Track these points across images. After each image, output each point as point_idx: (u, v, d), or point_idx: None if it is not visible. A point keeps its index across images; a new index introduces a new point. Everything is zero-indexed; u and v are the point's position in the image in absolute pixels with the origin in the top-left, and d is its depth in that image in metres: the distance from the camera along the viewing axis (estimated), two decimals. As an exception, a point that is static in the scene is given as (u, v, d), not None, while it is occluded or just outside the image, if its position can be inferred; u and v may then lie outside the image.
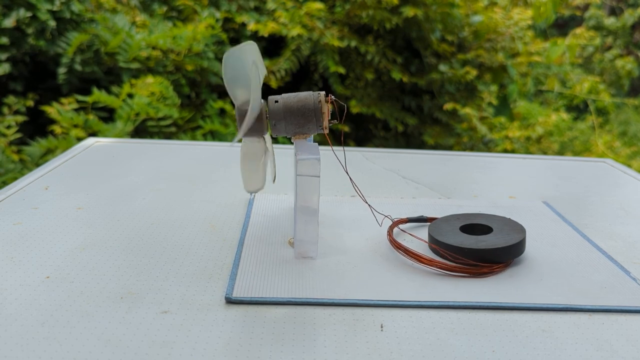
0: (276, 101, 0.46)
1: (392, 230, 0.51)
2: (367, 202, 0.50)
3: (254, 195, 0.61)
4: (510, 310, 0.40)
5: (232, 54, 0.44)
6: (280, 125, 0.46)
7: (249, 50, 0.45)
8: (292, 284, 0.43)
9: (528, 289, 0.43)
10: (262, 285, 0.42)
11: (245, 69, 0.43)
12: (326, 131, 0.47)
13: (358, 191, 0.50)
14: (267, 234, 0.52)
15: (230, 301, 0.40)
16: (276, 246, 0.49)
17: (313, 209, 0.46)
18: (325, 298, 0.41)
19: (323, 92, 0.46)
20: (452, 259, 0.46)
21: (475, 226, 0.50)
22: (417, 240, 0.51)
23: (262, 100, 0.46)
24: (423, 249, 0.49)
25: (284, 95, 0.47)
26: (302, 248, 0.47)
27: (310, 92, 0.46)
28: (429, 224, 0.53)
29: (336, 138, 2.40)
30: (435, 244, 0.48)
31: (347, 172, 0.48)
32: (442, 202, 0.61)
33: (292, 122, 0.46)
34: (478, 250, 0.45)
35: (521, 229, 0.49)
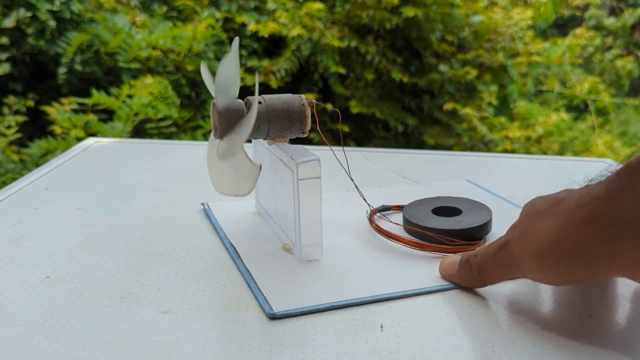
0: (260, 102, 0.45)
1: (375, 221, 0.52)
2: (363, 198, 0.51)
3: (209, 205, 0.57)
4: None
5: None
6: (263, 128, 0.45)
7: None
8: (322, 288, 0.42)
9: None
10: (295, 295, 0.41)
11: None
12: (305, 135, 0.46)
13: (355, 185, 0.50)
14: (254, 243, 0.50)
15: (275, 317, 0.39)
16: (273, 254, 0.48)
17: (316, 212, 0.45)
18: (363, 297, 0.41)
19: (304, 95, 0.46)
20: (447, 242, 0.48)
21: (443, 209, 0.53)
22: (391, 227, 0.52)
23: (239, 100, 0.45)
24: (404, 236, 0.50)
25: (265, 96, 0.46)
26: (307, 251, 0.46)
27: (292, 95, 0.45)
28: (400, 212, 0.55)
29: (336, 138, 2.40)
30: (425, 230, 0.49)
31: (349, 175, 0.48)
32: (392, 190, 0.62)
33: (277, 124, 0.45)
34: (467, 229, 0.48)
35: (485, 206, 0.53)
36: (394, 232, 0.50)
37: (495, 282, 0.40)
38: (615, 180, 0.31)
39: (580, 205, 0.31)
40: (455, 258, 0.43)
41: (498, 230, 0.51)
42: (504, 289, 0.43)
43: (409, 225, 0.51)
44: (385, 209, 0.56)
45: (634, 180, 0.30)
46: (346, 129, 2.34)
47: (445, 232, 0.48)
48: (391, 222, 0.53)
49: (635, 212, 0.28)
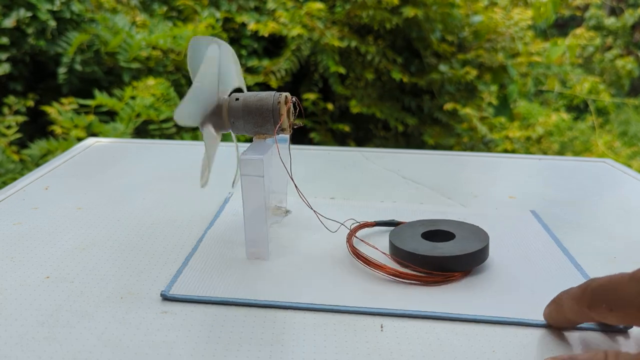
0: (237, 99, 0.46)
1: (354, 234, 0.50)
2: (311, 207, 0.48)
3: (232, 194, 0.61)
4: (442, 320, 0.39)
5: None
6: (238, 124, 0.46)
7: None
8: (234, 284, 0.43)
9: (476, 300, 0.41)
10: (205, 284, 0.42)
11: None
12: (288, 132, 0.47)
13: (300, 194, 0.47)
14: (229, 233, 0.51)
15: (166, 298, 0.40)
16: (233, 245, 0.49)
17: (260, 209, 0.45)
18: (256, 299, 0.41)
19: (286, 94, 0.46)
20: (407, 266, 0.44)
21: (438, 232, 0.49)
22: (377, 245, 0.48)
23: (227, 97, 0.47)
24: (381, 255, 0.47)
25: (246, 93, 0.47)
26: (253, 248, 0.47)
27: (272, 93, 0.46)
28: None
29: (337, 138, 2.40)
30: (391, 249, 0.47)
31: (290, 174, 0.48)
32: (424, 208, 0.59)
33: (251, 121, 0.46)
34: (432, 257, 0.44)
35: (484, 237, 0.47)
36: (365, 246, 0.48)
37: (576, 325, 0.39)
38: None
39: (633, 278, 0.36)
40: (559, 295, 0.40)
41: (499, 268, 0.46)
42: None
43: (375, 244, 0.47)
44: (392, 223, 0.53)
45: None
46: (346, 129, 2.34)
47: (411, 256, 0.45)
48: (367, 243, 0.48)
49: None
